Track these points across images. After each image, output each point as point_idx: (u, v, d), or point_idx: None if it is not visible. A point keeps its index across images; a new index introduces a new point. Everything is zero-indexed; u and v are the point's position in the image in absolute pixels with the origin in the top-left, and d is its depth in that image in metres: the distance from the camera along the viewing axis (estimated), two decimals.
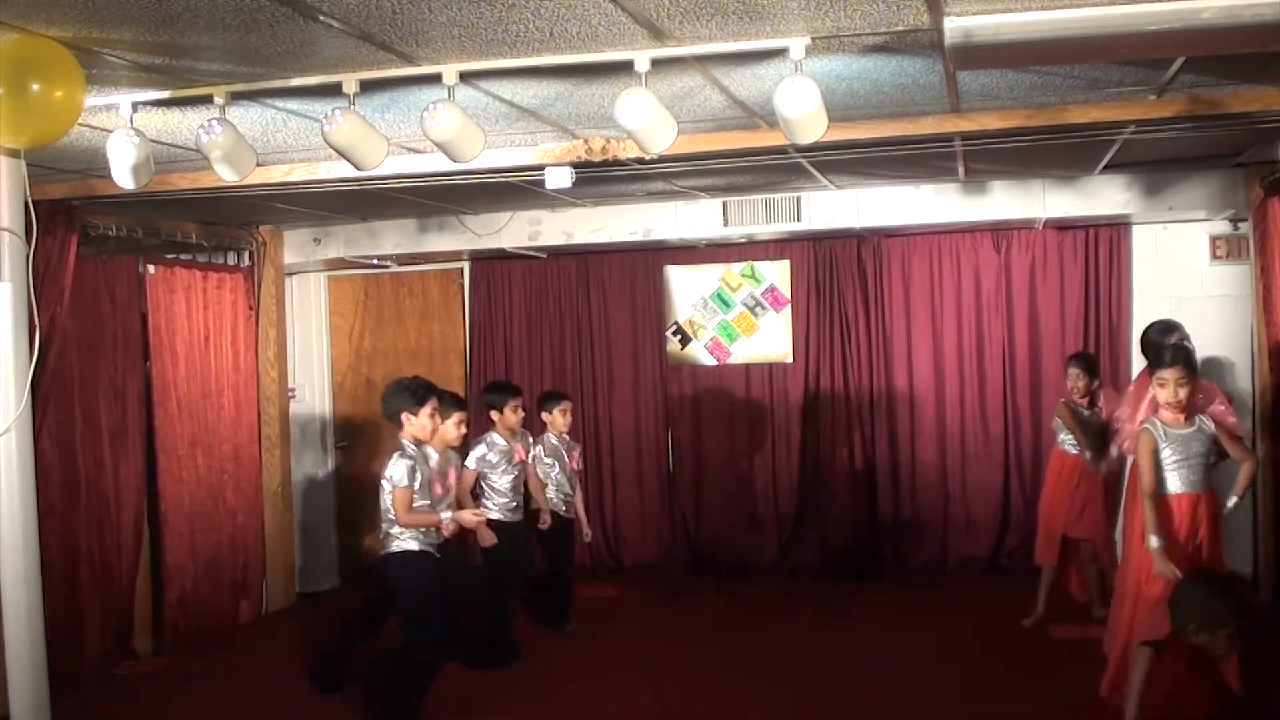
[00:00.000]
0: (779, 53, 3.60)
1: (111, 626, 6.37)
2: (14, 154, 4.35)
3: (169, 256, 7.08)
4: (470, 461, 6.19)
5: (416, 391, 5.17)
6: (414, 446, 5.16)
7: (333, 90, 3.82)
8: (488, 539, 5.98)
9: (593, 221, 7.58)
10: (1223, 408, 4.68)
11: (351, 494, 8.66)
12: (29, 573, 4.70)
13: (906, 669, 5.76)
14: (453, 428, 5.61)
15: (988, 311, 7.62)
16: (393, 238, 7.83)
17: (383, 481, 5.10)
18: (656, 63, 3.64)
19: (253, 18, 3.16)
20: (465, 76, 3.77)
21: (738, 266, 8.06)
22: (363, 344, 8.69)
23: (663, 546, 8.20)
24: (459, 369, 8.54)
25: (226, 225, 7.42)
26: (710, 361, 8.14)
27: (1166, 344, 4.93)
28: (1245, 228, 6.86)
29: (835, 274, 7.88)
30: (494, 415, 6.32)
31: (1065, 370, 6.43)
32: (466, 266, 8.44)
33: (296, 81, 3.82)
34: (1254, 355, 6.75)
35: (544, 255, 8.20)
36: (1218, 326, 6.98)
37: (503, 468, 6.24)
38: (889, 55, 3.77)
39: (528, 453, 6.45)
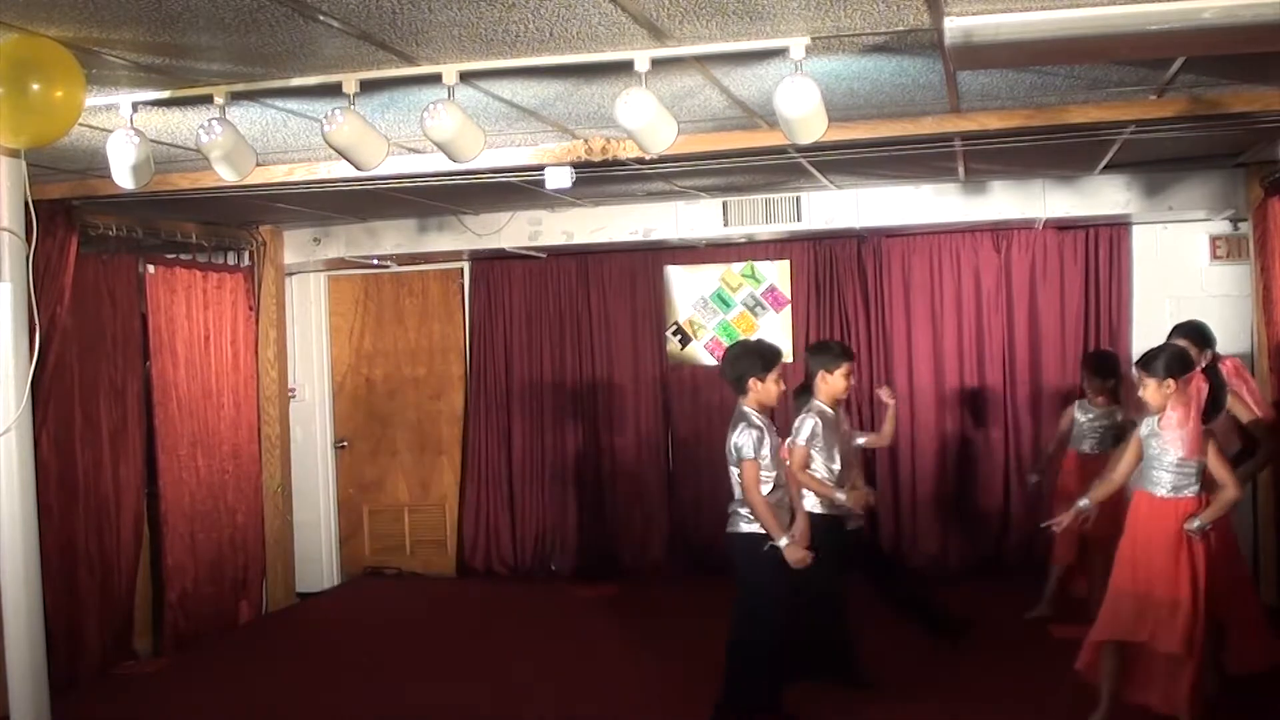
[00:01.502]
0: (779, 53, 3.60)
1: (111, 626, 6.37)
2: (14, 154, 4.35)
3: (169, 256, 7.08)
4: (800, 439, 5.27)
5: (765, 354, 4.87)
6: (758, 414, 4.81)
7: (333, 90, 3.82)
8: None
9: (593, 221, 7.58)
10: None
11: (350, 494, 8.69)
12: (29, 573, 4.70)
13: (906, 667, 5.75)
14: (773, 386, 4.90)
15: (988, 311, 7.62)
16: (393, 238, 7.83)
17: (729, 451, 4.76)
18: (656, 63, 3.63)
19: (253, 18, 3.16)
20: (465, 76, 3.77)
21: (738, 266, 8.06)
22: (363, 344, 8.69)
23: (663, 546, 8.19)
24: (459, 369, 8.55)
25: (226, 225, 7.42)
26: (710, 361, 8.14)
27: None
28: (1245, 228, 6.85)
29: (835, 274, 7.88)
30: (820, 379, 5.38)
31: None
32: (466, 266, 8.45)
33: (296, 81, 3.82)
34: (1254, 355, 6.75)
35: (544, 255, 8.20)
36: (1218, 326, 6.84)
37: (833, 445, 5.32)
38: (889, 55, 3.77)
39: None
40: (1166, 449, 4.42)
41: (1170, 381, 4.39)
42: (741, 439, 4.72)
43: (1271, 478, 6.36)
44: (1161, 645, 4.37)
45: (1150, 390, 4.43)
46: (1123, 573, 4.50)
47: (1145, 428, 4.53)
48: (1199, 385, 4.40)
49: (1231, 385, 5.15)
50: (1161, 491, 4.45)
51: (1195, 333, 5.28)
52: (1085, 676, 4.64)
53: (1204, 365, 4.73)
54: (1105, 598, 4.57)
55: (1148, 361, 4.49)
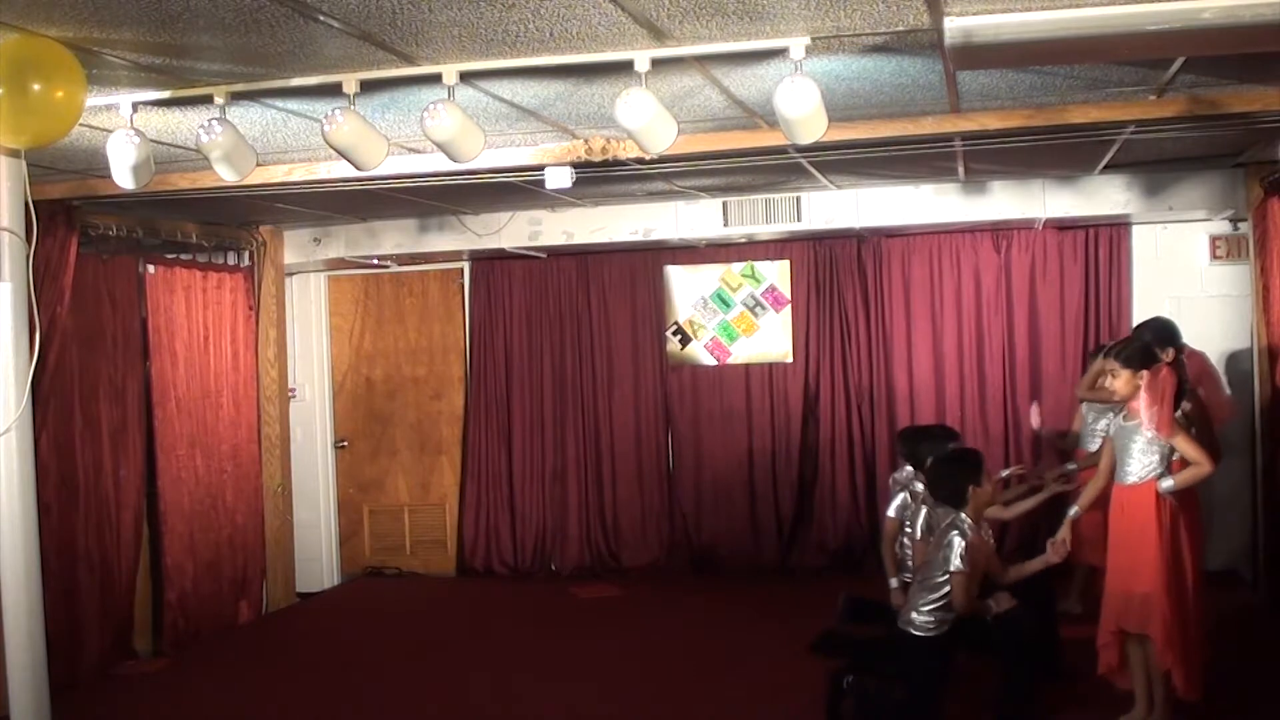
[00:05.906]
0: (779, 53, 3.60)
1: (111, 626, 6.37)
2: (14, 154, 4.34)
3: (169, 256, 7.08)
4: (891, 510, 5.42)
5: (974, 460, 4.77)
6: (970, 522, 4.64)
7: (333, 90, 3.82)
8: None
9: (593, 221, 7.58)
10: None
11: (350, 494, 8.69)
12: (29, 573, 4.70)
13: None
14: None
15: (988, 311, 7.62)
16: (393, 238, 7.83)
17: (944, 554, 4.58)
18: (656, 63, 3.64)
19: (253, 18, 3.16)
20: (465, 76, 3.77)
21: (738, 266, 8.06)
22: (363, 344, 8.69)
23: (663, 546, 8.20)
24: (459, 369, 8.55)
25: (226, 225, 7.42)
26: (710, 361, 8.15)
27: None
28: (1245, 228, 6.86)
29: (835, 274, 7.88)
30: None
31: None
32: (466, 266, 8.45)
33: (296, 81, 3.82)
34: (1254, 355, 6.75)
35: (544, 255, 8.20)
36: (1218, 326, 6.98)
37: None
38: (889, 55, 3.77)
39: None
40: (1134, 437, 4.49)
41: (1143, 372, 4.49)
42: (954, 549, 4.54)
43: (1270, 480, 6.36)
44: (1145, 630, 4.43)
45: (1123, 380, 4.52)
46: (1112, 567, 4.59)
47: (1111, 425, 4.67)
48: (1167, 375, 4.52)
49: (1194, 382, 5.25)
50: (1131, 479, 4.50)
51: (1161, 331, 5.40)
52: (1113, 680, 4.65)
53: (1169, 361, 4.82)
54: (1104, 594, 4.64)
55: (1121, 352, 4.61)
